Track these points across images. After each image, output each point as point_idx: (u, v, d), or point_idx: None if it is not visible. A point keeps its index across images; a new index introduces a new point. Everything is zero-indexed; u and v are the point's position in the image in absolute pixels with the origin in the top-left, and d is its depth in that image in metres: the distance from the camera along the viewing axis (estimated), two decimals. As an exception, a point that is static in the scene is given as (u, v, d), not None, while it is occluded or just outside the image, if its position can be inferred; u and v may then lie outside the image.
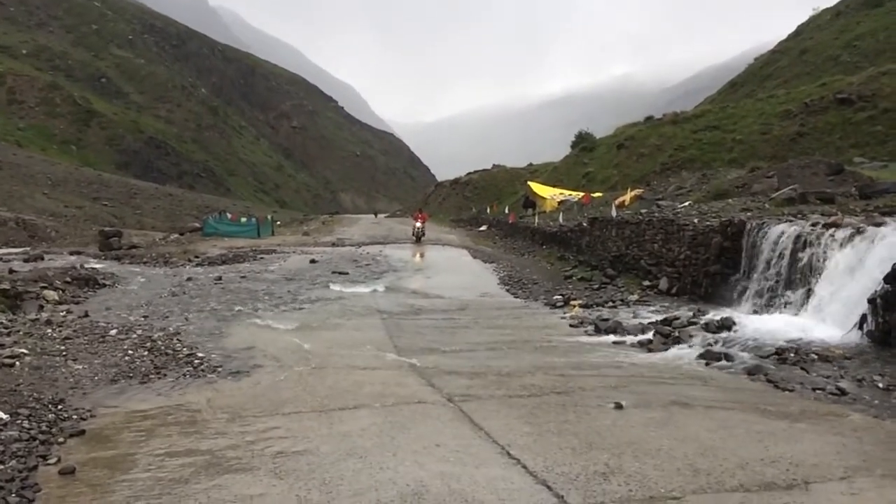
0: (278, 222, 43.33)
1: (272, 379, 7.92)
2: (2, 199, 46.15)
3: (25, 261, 20.55)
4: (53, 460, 5.21)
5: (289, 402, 6.94)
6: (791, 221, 11.64)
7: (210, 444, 5.59)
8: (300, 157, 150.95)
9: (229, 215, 36.38)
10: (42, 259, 21.56)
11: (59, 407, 6.58)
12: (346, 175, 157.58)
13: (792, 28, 65.10)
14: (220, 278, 17.46)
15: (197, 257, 22.85)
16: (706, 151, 38.15)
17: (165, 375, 7.94)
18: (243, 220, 34.74)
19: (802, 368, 7.88)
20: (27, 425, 5.84)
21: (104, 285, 16.08)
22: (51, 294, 13.63)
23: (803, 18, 64.96)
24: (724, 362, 8.40)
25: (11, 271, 16.20)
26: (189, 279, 17.37)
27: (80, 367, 8.11)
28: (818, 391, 7.09)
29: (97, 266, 19.78)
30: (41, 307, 12.49)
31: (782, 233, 11.19)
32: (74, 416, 6.37)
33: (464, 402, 6.84)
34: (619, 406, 6.46)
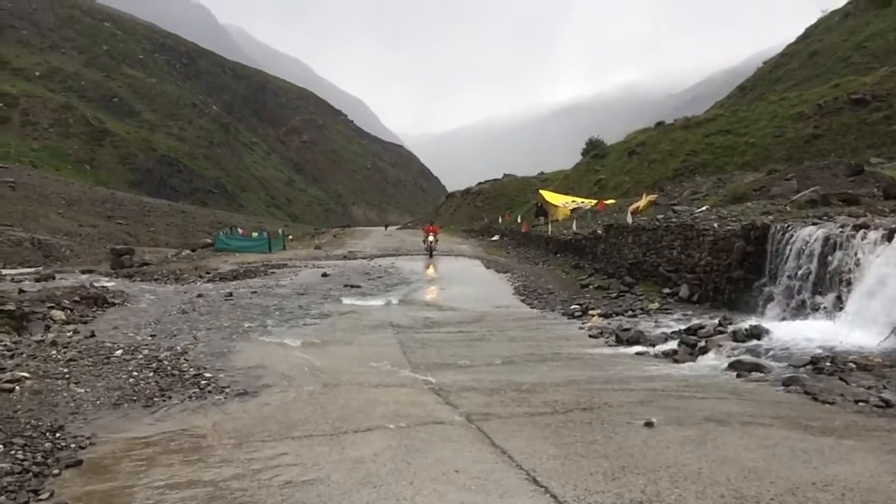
0: (290, 236, 43.14)
1: (281, 399, 7.56)
2: (17, 220, 46.32)
3: (36, 280, 20.37)
4: (46, 495, 4.86)
5: (298, 424, 6.58)
6: (818, 224, 11.20)
7: (213, 475, 5.23)
8: (311, 171, 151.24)
9: (240, 230, 36.22)
10: (53, 278, 21.36)
11: (58, 435, 6.24)
12: (356, 188, 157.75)
13: (800, 31, 64.54)
14: (230, 294, 17.18)
15: (208, 273, 22.59)
16: (719, 156, 37.71)
17: (170, 398, 7.60)
18: (254, 234, 34.52)
19: (841, 379, 7.43)
20: (21, 456, 5.50)
21: (113, 304, 15.80)
22: (58, 314, 13.36)
23: (811, 21, 64.38)
24: (756, 373, 7.96)
25: (21, 291, 15.98)
26: (199, 296, 17.10)
27: (83, 390, 7.78)
28: (861, 403, 6.64)
29: (107, 284, 19.55)
30: (48, 328, 12.22)
31: (810, 236, 10.75)
32: (72, 445, 6.03)
33: (483, 421, 6.45)
34: (649, 424, 6.05)
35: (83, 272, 24.64)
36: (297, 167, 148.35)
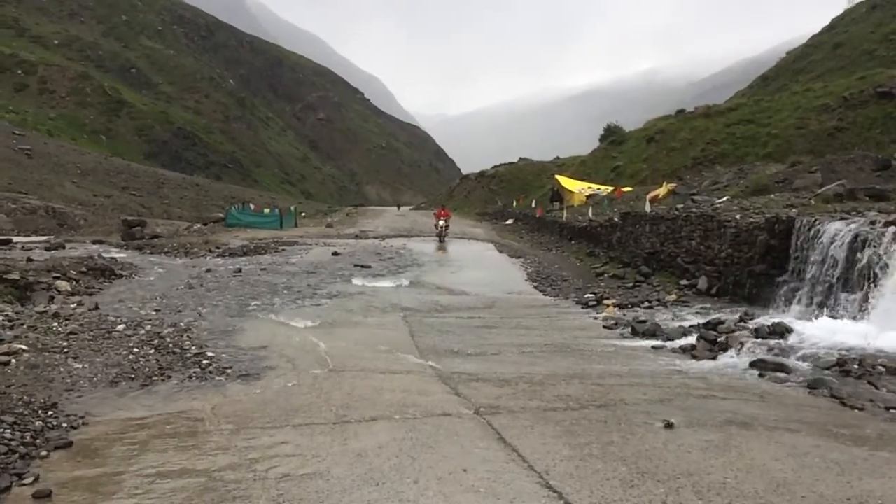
0: (302, 213, 42.94)
1: (284, 383, 7.29)
2: (32, 188, 46.27)
3: (46, 249, 20.24)
4: (29, 480, 4.60)
5: (300, 410, 6.30)
6: (846, 219, 10.77)
7: (208, 463, 4.96)
8: (326, 148, 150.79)
9: (252, 206, 36.01)
10: (63, 247, 21.24)
11: (50, 413, 6.00)
12: (371, 167, 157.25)
13: (825, 22, 63.31)
14: (239, 270, 16.95)
15: (218, 248, 22.38)
16: (740, 146, 37.00)
17: (170, 377, 7.35)
18: (266, 210, 34.32)
19: (870, 383, 7.08)
20: (9, 435, 5.25)
21: (121, 276, 15.62)
22: (63, 285, 13.16)
23: (837, 12, 63.12)
24: (780, 374, 7.59)
25: (30, 260, 15.81)
26: (208, 271, 16.88)
27: (80, 365, 7.55)
28: (893, 410, 6.29)
29: (117, 256, 19.40)
30: (52, 298, 12.02)
31: (838, 231, 10.32)
32: (64, 425, 5.78)
33: (493, 415, 6.15)
34: (668, 425, 5.73)
35: (94, 242, 24.52)
36: (312, 144, 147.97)
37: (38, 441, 5.33)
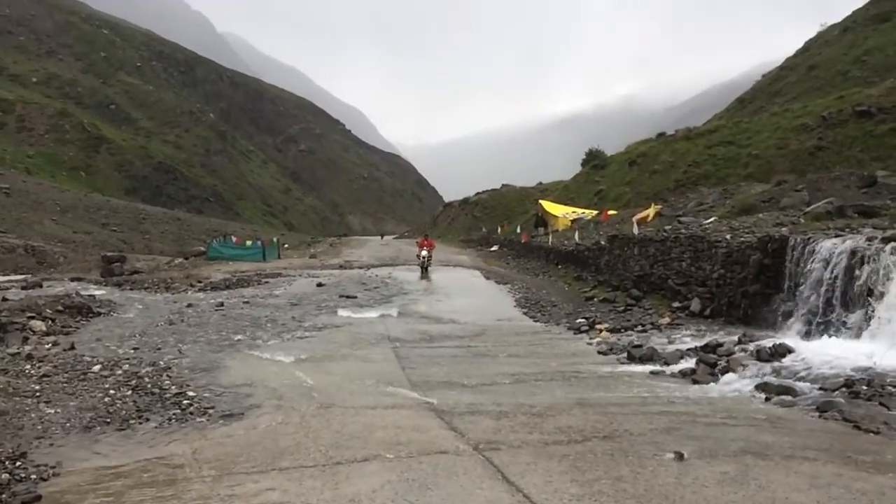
0: (285, 245, 42.49)
1: (270, 422, 6.91)
2: (11, 226, 45.54)
3: (23, 288, 19.75)
4: (-9, 542, 4.21)
5: (287, 452, 5.92)
6: (841, 236, 10.60)
7: (188, 515, 4.58)
8: (308, 180, 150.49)
9: (234, 238, 35.56)
10: (41, 286, 20.76)
11: (18, 464, 5.59)
12: (353, 197, 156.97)
13: (799, 44, 64.33)
14: (221, 304, 16.53)
15: (199, 282, 21.93)
16: (721, 167, 37.20)
17: (148, 420, 6.95)
18: (248, 243, 33.90)
19: (882, 404, 6.81)
20: (-30, 491, 4.85)
21: (99, 313, 15.15)
22: (38, 324, 12.69)
23: (810, 35, 64.19)
24: (786, 397, 7.31)
25: (4, 300, 15.35)
26: (189, 305, 16.45)
27: (53, 410, 7.13)
28: (910, 433, 6.02)
29: (95, 293, 18.91)
30: (26, 339, 11.54)
31: (834, 248, 10.13)
32: (33, 476, 5.37)
33: (493, 451, 5.80)
34: (679, 456, 5.41)
35: (72, 279, 24.00)
36: (293, 176, 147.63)
37: (3, 496, 4.92)
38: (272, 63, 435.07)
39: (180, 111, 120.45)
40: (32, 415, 6.96)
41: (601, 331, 12.98)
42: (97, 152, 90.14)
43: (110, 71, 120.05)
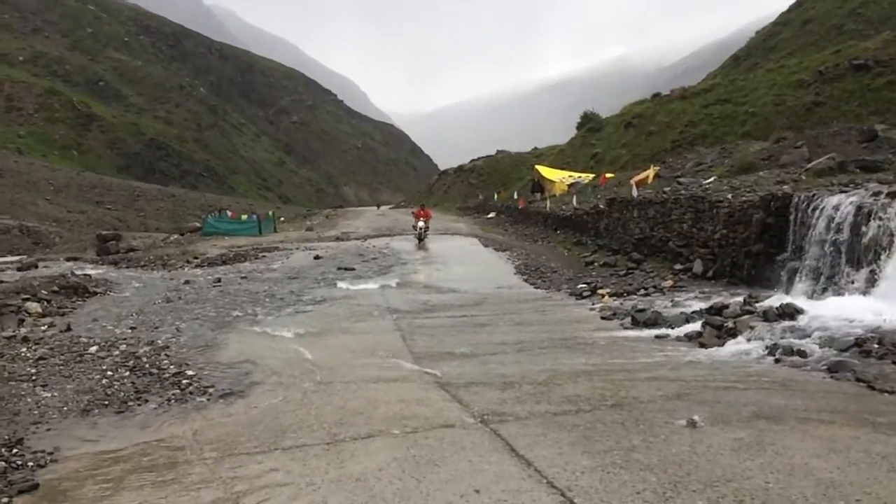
0: (281, 218, 42.20)
1: (271, 400, 6.77)
2: (5, 208, 45.22)
3: (18, 269, 19.51)
4: (-14, 534, 4.08)
5: (290, 430, 5.79)
6: (846, 192, 10.41)
7: (190, 500, 4.44)
8: (301, 152, 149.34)
9: (229, 213, 35.23)
10: (36, 267, 20.50)
11: (14, 451, 5.45)
12: (348, 168, 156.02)
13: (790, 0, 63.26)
14: (219, 280, 16.34)
15: (196, 258, 21.71)
16: (718, 126, 36.81)
17: (147, 401, 6.80)
18: (244, 217, 33.57)
19: (894, 363, 6.68)
20: (-35, 482, 4.71)
21: (95, 293, 14.95)
22: (33, 306, 12.50)
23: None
24: (796, 358, 7.19)
25: (0, 281, 15.14)
26: (186, 282, 16.26)
27: (50, 394, 6.98)
28: (926, 392, 5.89)
29: (91, 272, 18.69)
30: (21, 321, 11.37)
31: (839, 204, 9.95)
32: (30, 463, 5.23)
33: (500, 423, 5.66)
34: (692, 423, 5.28)
35: (68, 259, 23.76)
36: (287, 148, 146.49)
37: (-1, 485, 4.79)
38: (261, 34, 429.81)
39: (170, 86, 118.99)
40: (29, 399, 6.82)
41: (603, 296, 12.84)
42: (88, 130, 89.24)
43: (98, 47, 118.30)
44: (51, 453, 5.46)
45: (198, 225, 34.34)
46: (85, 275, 17.34)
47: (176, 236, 32.44)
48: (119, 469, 5.11)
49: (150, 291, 15.12)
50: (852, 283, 9.36)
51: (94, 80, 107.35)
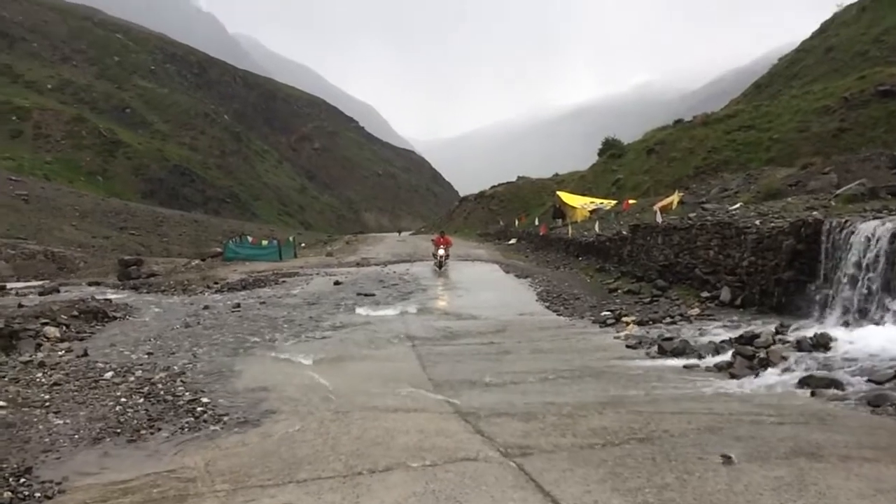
0: (301, 244, 42.30)
1: (287, 429, 6.57)
2: (31, 233, 45.80)
3: (40, 294, 19.61)
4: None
5: (305, 462, 5.58)
6: (880, 218, 10.09)
7: (199, 536, 4.25)
8: (323, 178, 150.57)
9: (250, 238, 35.35)
10: (58, 291, 20.60)
11: (22, 480, 5.29)
12: (368, 194, 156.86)
13: (811, 28, 62.98)
14: (238, 305, 16.27)
15: (216, 283, 21.71)
16: (742, 152, 36.50)
17: (160, 429, 6.64)
18: (264, 242, 33.67)
19: (939, 396, 6.35)
20: (-32, 513, 4.55)
21: (114, 318, 14.94)
22: (52, 331, 12.47)
23: (825, 17, 62.76)
24: (834, 391, 6.87)
25: (21, 306, 15.18)
26: (205, 307, 16.20)
27: (62, 421, 6.84)
28: (975, 428, 5.56)
29: (112, 297, 18.74)
30: (39, 346, 11.34)
31: (874, 231, 9.63)
32: (38, 494, 5.07)
33: (524, 457, 5.42)
34: (727, 459, 5.00)
35: (90, 284, 23.90)
36: (308, 174, 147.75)
37: (3, 517, 4.62)
38: (284, 62, 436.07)
39: (195, 113, 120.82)
40: (40, 426, 6.68)
41: (628, 323, 12.54)
42: (114, 157, 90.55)
43: (124, 75, 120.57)
44: (59, 483, 5.30)
45: (219, 250, 34.46)
46: (105, 299, 17.36)
47: (197, 261, 32.56)
48: (128, 501, 4.93)
49: (169, 316, 15.07)
50: (889, 311, 9.01)
51: (120, 107, 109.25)
